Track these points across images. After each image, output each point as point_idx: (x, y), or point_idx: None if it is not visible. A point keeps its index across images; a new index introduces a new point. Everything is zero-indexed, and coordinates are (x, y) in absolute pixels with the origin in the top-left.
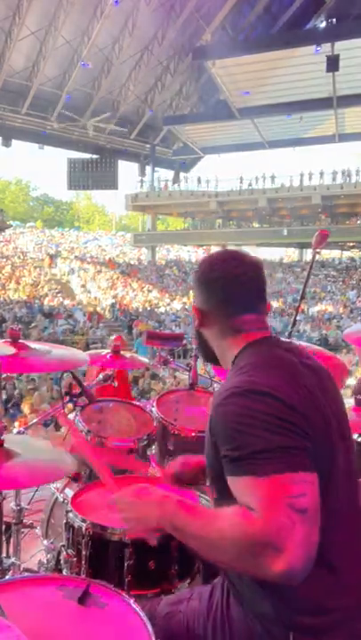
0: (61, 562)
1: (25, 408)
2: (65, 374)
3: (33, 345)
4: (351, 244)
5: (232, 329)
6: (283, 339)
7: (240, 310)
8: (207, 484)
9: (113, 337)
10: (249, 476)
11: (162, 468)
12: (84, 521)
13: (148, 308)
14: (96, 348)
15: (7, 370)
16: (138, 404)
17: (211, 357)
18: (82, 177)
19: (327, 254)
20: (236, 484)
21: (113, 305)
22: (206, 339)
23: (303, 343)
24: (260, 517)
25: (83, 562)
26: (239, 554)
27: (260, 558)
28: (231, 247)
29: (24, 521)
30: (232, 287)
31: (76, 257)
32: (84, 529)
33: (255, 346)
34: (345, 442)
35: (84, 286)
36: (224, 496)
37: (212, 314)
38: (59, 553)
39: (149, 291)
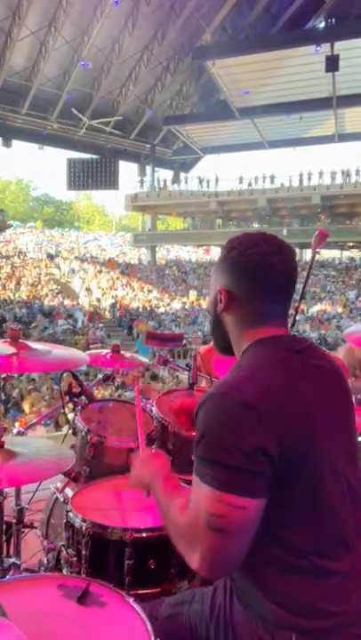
0: (61, 561)
1: (25, 407)
2: (65, 374)
3: (33, 345)
4: (351, 244)
5: (256, 317)
6: (298, 337)
7: (271, 299)
8: None
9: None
10: (196, 476)
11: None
12: (84, 521)
13: (148, 308)
14: (96, 348)
15: (7, 370)
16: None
17: (227, 346)
18: (82, 177)
19: (327, 254)
20: (193, 475)
21: (113, 305)
22: (225, 325)
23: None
24: (185, 518)
25: (83, 561)
26: (173, 533)
27: (182, 546)
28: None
29: (24, 521)
30: (268, 275)
31: (76, 257)
32: (84, 529)
33: (262, 344)
34: (346, 443)
35: (88, 289)
36: None
37: (241, 299)
38: (59, 553)
39: (149, 291)
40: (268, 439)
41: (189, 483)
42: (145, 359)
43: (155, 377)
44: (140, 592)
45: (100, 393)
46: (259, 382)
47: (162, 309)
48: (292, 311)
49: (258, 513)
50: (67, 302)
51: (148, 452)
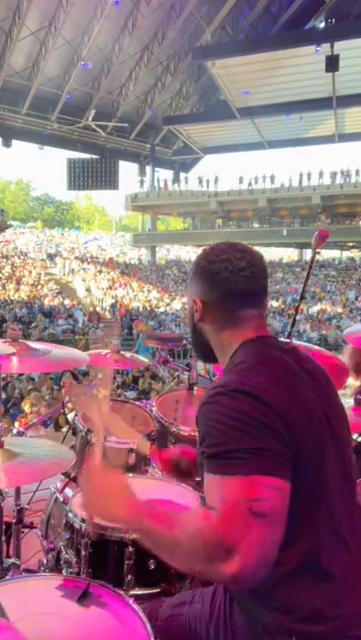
0: (61, 562)
1: (25, 407)
2: (65, 374)
3: (33, 345)
4: (351, 244)
5: (233, 323)
6: (281, 339)
7: (244, 303)
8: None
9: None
10: (217, 475)
11: (159, 451)
12: (83, 521)
13: (148, 308)
14: (96, 348)
15: (7, 370)
16: (138, 403)
17: (207, 354)
18: (82, 177)
19: (327, 254)
20: (207, 481)
21: (113, 305)
22: (204, 333)
23: (303, 343)
24: (217, 517)
25: (82, 562)
26: (196, 554)
27: (213, 559)
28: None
29: (24, 521)
30: (237, 279)
31: (76, 257)
32: (83, 529)
33: (252, 344)
34: (341, 446)
35: (88, 290)
36: None
37: (215, 306)
38: (58, 553)
39: (149, 291)
40: (280, 425)
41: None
42: (145, 359)
43: (154, 377)
44: (139, 592)
45: (100, 393)
46: (259, 376)
47: (162, 309)
48: (292, 311)
49: (287, 496)
50: (67, 302)
51: (102, 477)
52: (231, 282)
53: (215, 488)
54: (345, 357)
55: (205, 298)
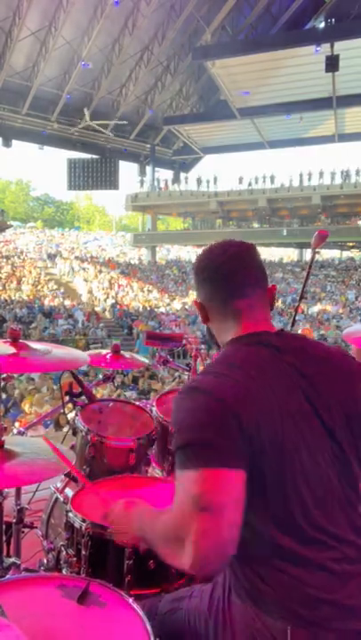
0: (61, 561)
1: (26, 407)
2: (65, 374)
3: (33, 345)
4: (351, 244)
5: (229, 317)
6: (284, 333)
7: (231, 297)
8: None
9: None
10: (177, 470)
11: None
12: (83, 521)
13: (148, 308)
14: (96, 348)
15: (7, 370)
16: (138, 403)
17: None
18: (82, 177)
19: (327, 254)
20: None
21: (113, 305)
22: (214, 333)
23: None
24: (172, 512)
25: (82, 561)
26: (164, 545)
27: (173, 549)
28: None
29: (24, 521)
30: (217, 275)
31: (76, 257)
32: (83, 529)
33: (237, 341)
34: (338, 444)
35: (90, 292)
36: None
37: (209, 305)
38: (59, 553)
39: (149, 291)
40: (231, 418)
41: None
42: (145, 359)
43: (153, 376)
44: (139, 592)
45: (99, 393)
46: (221, 378)
47: (162, 309)
48: (291, 311)
49: (240, 486)
50: (67, 302)
51: (119, 504)
52: (213, 278)
53: (176, 482)
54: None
55: (200, 299)
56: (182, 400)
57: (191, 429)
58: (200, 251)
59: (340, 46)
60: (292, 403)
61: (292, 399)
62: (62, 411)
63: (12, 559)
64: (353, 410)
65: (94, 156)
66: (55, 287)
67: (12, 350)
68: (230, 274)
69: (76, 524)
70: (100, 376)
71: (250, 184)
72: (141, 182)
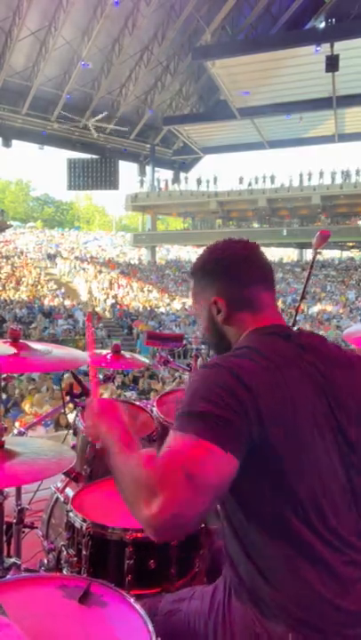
0: (62, 561)
1: (26, 407)
2: (66, 374)
3: (33, 345)
4: (351, 244)
5: (258, 309)
6: (290, 327)
7: (261, 288)
8: None
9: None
10: (175, 430)
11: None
12: (84, 521)
13: (148, 308)
14: (96, 348)
15: (7, 370)
16: (138, 403)
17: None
18: (82, 177)
19: (327, 254)
20: (169, 434)
21: (113, 305)
22: (228, 337)
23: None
24: (157, 461)
25: (83, 561)
26: (127, 483)
27: (139, 495)
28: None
29: (25, 521)
30: (249, 265)
31: (76, 257)
32: (84, 529)
33: (259, 331)
34: (349, 444)
35: (90, 292)
36: None
37: (238, 299)
38: (59, 553)
39: (149, 291)
40: (252, 406)
41: None
42: (145, 359)
43: (153, 376)
44: (140, 592)
45: (99, 393)
46: (249, 361)
47: (162, 309)
48: (292, 311)
49: (229, 473)
50: (67, 302)
51: (101, 399)
52: (246, 269)
53: (168, 439)
54: None
55: (227, 294)
56: (204, 371)
57: (206, 400)
58: (201, 253)
59: (340, 46)
60: (312, 399)
61: (312, 396)
62: (62, 411)
63: (13, 559)
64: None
65: (94, 156)
66: (55, 287)
67: (12, 350)
68: (249, 261)
69: (77, 524)
70: (101, 376)
71: (250, 184)
72: (141, 182)
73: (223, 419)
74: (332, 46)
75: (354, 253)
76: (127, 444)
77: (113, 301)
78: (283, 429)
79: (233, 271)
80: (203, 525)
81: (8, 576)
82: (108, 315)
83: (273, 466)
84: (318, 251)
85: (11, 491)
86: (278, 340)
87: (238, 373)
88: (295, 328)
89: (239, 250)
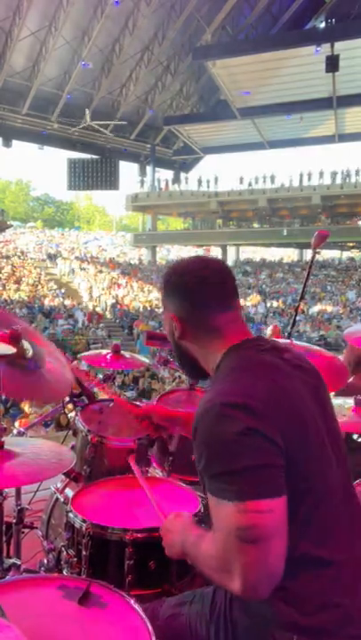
0: (62, 562)
1: (26, 407)
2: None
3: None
4: (351, 244)
5: (212, 332)
6: (265, 338)
7: (217, 310)
8: None
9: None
10: (213, 497)
11: (153, 405)
12: (84, 521)
13: (148, 308)
14: (97, 349)
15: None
16: (138, 404)
17: (195, 370)
18: (82, 177)
19: (327, 254)
20: (208, 499)
21: (113, 305)
22: (188, 350)
23: (303, 344)
24: (215, 544)
25: (83, 562)
26: (209, 572)
27: (221, 578)
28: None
29: (24, 521)
30: (204, 288)
31: (76, 257)
32: (84, 529)
33: (237, 349)
34: (337, 443)
35: (90, 293)
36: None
37: (191, 320)
38: (59, 553)
39: (150, 291)
40: (272, 431)
41: (190, 483)
42: (145, 359)
43: (153, 376)
44: (140, 592)
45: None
46: (248, 385)
47: (162, 309)
48: (292, 311)
49: (285, 511)
50: (67, 302)
51: (169, 518)
52: (200, 291)
53: (213, 511)
54: (344, 356)
55: (181, 313)
56: (212, 419)
57: (227, 456)
58: (169, 266)
59: (340, 46)
60: (310, 409)
61: (310, 405)
62: (62, 411)
63: (13, 560)
64: (334, 415)
65: (94, 156)
66: (55, 287)
67: (12, 350)
68: (219, 288)
69: (77, 525)
70: (100, 376)
71: (250, 184)
72: (141, 182)
73: (251, 467)
74: (332, 46)
75: (354, 253)
76: (197, 534)
77: (113, 301)
78: (297, 442)
79: (188, 293)
80: (203, 525)
81: (8, 577)
82: (108, 315)
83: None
84: (317, 250)
85: (10, 491)
86: (265, 355)
87: (245, 404)
88: (290, 329)
89: (198, 271)
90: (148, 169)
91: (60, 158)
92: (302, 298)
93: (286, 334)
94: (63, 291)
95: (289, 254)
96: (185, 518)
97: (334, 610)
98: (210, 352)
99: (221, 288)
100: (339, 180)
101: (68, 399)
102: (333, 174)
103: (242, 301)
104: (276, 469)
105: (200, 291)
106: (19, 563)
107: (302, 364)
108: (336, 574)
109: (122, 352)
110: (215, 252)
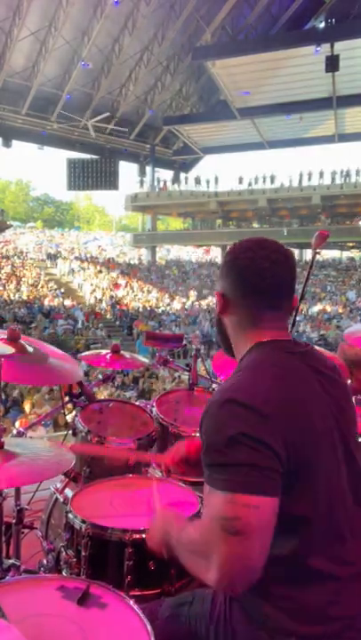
0: (61, 562)
1: (26, 407)
2: None
3: (30, 348)
4: (351, 244)
5: (251, 322)
6: (302, 342)
7: (263, 305)
8: None
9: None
10: (207, 486)
11: (166, 456)
12: (83, 521)
13: (148, 308)
14: (96, 349)
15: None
16: (138, 403)
17: (227, 346)
18: (82, 177)
19: (327, 254)
20: (204, 487)
21: (113, 305)
22: (226, 327)
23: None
24: (199, 529)
25: (82, 562)
26: (189, 556)
27: (198, 563)
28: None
29: (24, 521)
30: (258, 280)
31: (76, 257)
32: (83, 529)
33: (262, 347)
34: (350, 452)
35: (92, 292)
36: None
37: (235, 303)
38: (59, 553)
39: (149, 291)
40: (273, 437)
41: (190, 483)
42: (145, 359)
43: (154, 377)
44: (140, 593)
45: (99, 393)
46: (260, 384)
47: (162, 309)
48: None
49: (273, 512)
50: (67, 302)
51: (158, 511)
52: (252, 281)
53: (206, 498)
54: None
55: (227, 293)
56: (217, 412)
57: (226, 447)
58: (233, 244)
59: (340, 46)
60: (326, 417)
61: (325, 414)
62: (62, 411)
63: (12, 560)
64: (354, 429)
65: (94, 156)
66: (55, 287)
67: (11, 350)
68: (271, 285)
69: (76, 525)
70: (100, 376)
71: (250, 184)
72: (141, 182)
73: (247, 464)
74: (332, 46)
75: (354, 253)
76: (181, 523)
77: (113, 301)
78: (303, 448)
79: (242, 275)
80: None
81: (7, 577)
82: (108, 315)
83: (287, 481)
84: (317, 251)
85: (10, 491)
86: (289, 356)
87: (253, 405)
88: (290, 329)
89: (259, 259)
90: (148, 169)
91: (59, 158)
92: (302, 298)
93: None
94: (63, 291)
95: None
96: (171, 511)
97: (334, 621)
98: (242, 338)
99: (275, 285)
100: (339, 180)
101: (67, 399)
102: (333, 174)
103: None
104: (269, 471)
105: (253, 281)
106: (18, 563)
107: (328, 372)
108: (338, 587)
109: (121, 352)
110: (215, 252)
